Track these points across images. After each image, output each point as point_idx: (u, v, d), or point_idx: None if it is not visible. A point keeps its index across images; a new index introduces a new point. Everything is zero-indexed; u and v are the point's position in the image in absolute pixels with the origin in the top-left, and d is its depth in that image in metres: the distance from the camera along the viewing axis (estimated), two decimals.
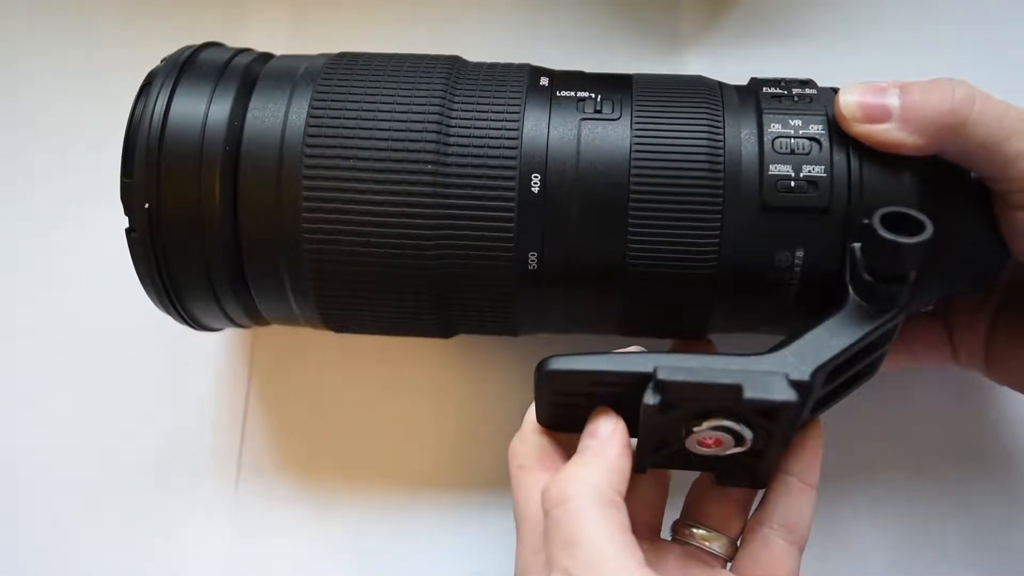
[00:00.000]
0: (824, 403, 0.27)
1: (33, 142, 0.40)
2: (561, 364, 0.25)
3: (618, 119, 0.28)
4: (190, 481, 0.36)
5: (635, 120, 0.28)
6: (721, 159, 0.27)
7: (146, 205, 0.28)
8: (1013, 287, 0.31)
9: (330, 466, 0.37)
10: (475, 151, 0.28)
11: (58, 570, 0.36)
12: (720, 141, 0.28)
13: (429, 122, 0.28)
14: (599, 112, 0.28)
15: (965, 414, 0.36)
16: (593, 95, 0.29)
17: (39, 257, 0.39)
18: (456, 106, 0.28)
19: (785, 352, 0.25)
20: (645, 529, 0.28)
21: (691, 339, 0.31)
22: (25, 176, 0.40)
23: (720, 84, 0.30)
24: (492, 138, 0.28)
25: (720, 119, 0.28)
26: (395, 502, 0.36)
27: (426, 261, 0.28)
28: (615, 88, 0.29)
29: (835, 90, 0.29)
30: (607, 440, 0.25)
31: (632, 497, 0.26)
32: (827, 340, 0.25)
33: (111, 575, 0.36)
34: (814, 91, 0.29)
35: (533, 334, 0.32)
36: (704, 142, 0.27)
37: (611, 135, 0.28)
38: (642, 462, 0.27)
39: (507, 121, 0.28)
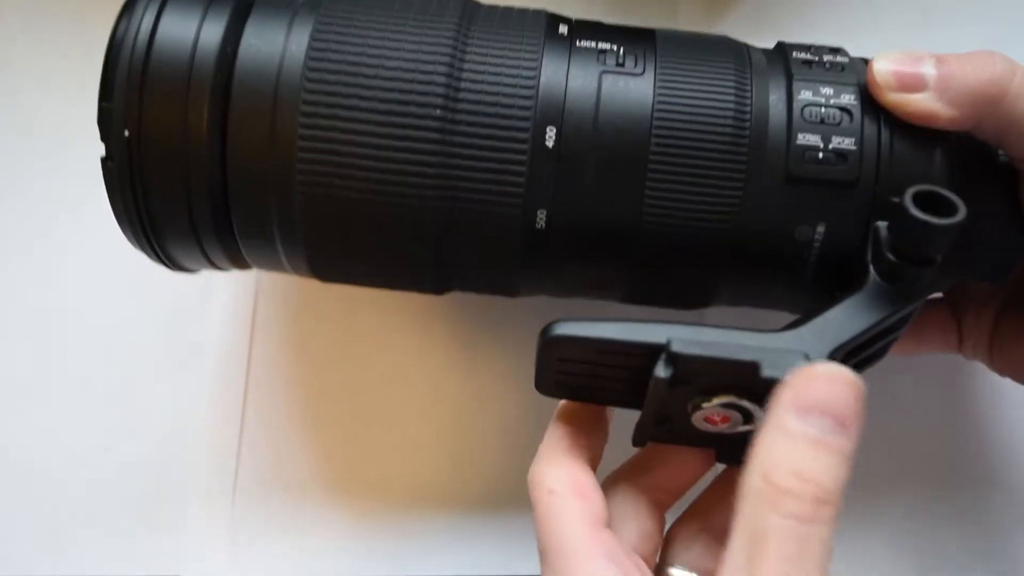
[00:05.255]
0: None
1: (32, 141, 0.40)
2: (568, 329, 0.24)
3: (641, 74, 0.26)
4: (185, 485, 0.36)
5: (659, 76, 0.26)
6: (747, 123, 0.26)
7: (125, 133, 0.25)
8: (1021, 279, 0.30)
9: (334, 461, 0.36)
10: (488, 98, 0.26)
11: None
12: (748, 104, 0.26)
13: (440, 63, 0.26)
14: (621, 66, 0.27)
15: (962, 417, 0.36)
16: (615, 47, 0.27)
17: (37, 255, 0.39)
18: (469, 49, 0.26)
19: (803, 330, 0.24)
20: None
21: (697, 308, 0.30)
22: (23, 175, 0.40)
23: (746, 46, 0.28)
24: (506, 85, 0.26)
25: (748, 81, 0.27)
26: (398, 498, 0.36)
27: (426, 211, 0.26)
28: (637, 42, 0.28)
29: (866, 61, 0.28)
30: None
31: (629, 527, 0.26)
32: (846, 321, 0.24)
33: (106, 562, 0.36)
34: (845, 59, 0.27)
35: (532, 295, 0.30)
36: (731, 104, 0.26)
37: (633, 90, 0.26)
38: (642, 436, 0.26)
39: (523, 68, 0.26)
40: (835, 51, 0.28)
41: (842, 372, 0.22)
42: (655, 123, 0.26)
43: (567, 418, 0.27)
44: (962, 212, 0.23)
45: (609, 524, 0.26)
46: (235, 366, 0.37)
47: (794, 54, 0.28)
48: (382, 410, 0.37)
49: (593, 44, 0.27)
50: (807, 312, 0.25)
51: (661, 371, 0.23)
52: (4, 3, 0.41)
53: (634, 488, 0.28)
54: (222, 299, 0.38)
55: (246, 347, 0.37)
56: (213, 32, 0.26)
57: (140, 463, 0.36)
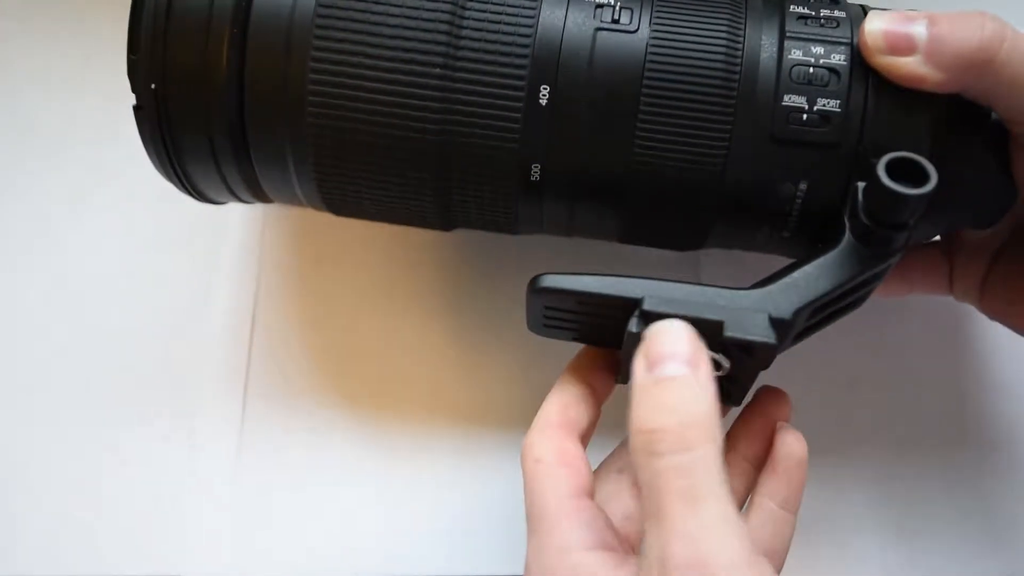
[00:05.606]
0: (804, 335, 0.28)
1: (33, 141, 0.40)
2: (553, 282, 0.26)
3: (635, 31, 0.27)
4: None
5: (652, 32, 0.27)
6: (736, 82, 0.27)
7: (152, 86, 0.27)
8: (1019, 226, 0.31)
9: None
10: (486, 56, 0.27)
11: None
12: (738, 62, 0.27)
13: (442, 11, 0.27)
14: (616, 22, 0.27)
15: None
16: (612, 2, 0.28)
17: (37, 254, 0.39)
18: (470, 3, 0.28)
19: (772, 288, 0.25)
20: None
21: (690, 250, 0.31)
22: (24, 175, 0.40)
23: (745, 9, 0.28)
24: (503, 43, 0.27)
25: (741, 37, 0.27)
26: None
27: (428, 146, 0.27)
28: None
29: (865, 10, 0.28)
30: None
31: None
32: (815, 279, 0.26)
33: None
34: (842, 13, 0.28)
35: (532, 234, 0.32)
36: (721, 61, 0.27)
37: (627, 47, 0.27)
38: (624, 376, 0.27)
39: (521, 23, 0.27)
40: (833, 2, 0.28)
41: (672, 323, 0.24)
42: (645, 81, 0.27)
43: (561, 394, 0.29)
44: (932, 182, 0.24)
45: (593, 496, 0.26)
46: (235, 365, 0.37)
47: (791, 7, 0.28)
48: (385, 402, 0.37)
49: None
50: (783, 268, 0.26)
51: (634, 326, 0.25)
52: (4, 3, 0.41)
53: (617, 470, 0.29)
54: (221, 304, 0.38)
55: (246, 347, 0.37)
56: None
57: (140, 463, 0.36)
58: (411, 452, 0.36)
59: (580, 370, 0.29)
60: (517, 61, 0.27)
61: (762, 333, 0.24)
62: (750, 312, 0.25)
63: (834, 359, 0.36)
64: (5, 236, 0.39)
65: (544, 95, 0.27)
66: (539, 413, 0.28)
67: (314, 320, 0.37)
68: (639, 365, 0.24)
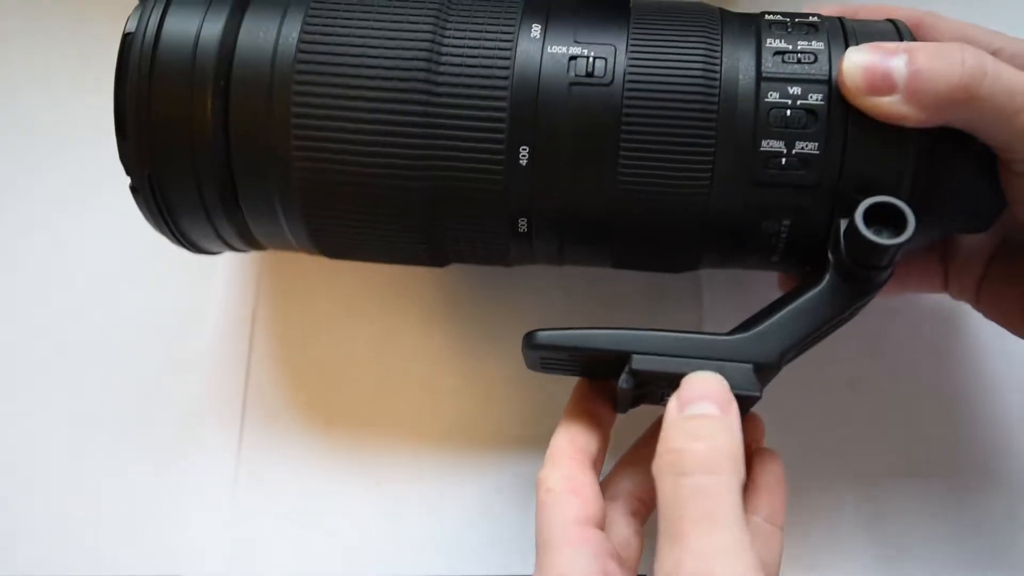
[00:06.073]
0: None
1: (33, 141, 0.40)
2: (547, 339, 0.27)
3: (610, 84, 0.27)
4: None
5: (627, 84, 0.26)
6: (713, 131, 0.26)
7: (147, 173, 0.28)
8: (1013, 228, 0.31)
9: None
10: (463, 112, 0.27)
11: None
12: (713, 110, 0.26)
13: (420, 48, 0.27)
14: (590, 75, 0.27)
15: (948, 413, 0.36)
16: (584, 51, 0.27)
17: (37, 254, 0.39)
18: (445, 50, 0.27)
19: (758, 332, 0.26)
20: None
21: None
22: (23, 175, 0.40)
23: (722, 29, 0.28)
24: (480, 98, 0.27)
25: (716, 81, 0.26)
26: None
27: (416, 194, 0.28)
28: (609, 29, 0.28)
29: (844, 27, 0.27)
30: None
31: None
32: (800, 320, 0.26)
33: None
34: (820, 44, 0.27)
35: (525, 265, 0.32)
36: (698, 111, 0.26)
37: (603, 100, 0.27)
38: (623, 409, 0.29)
39: (495, 71, 0.27)
40: (810, 27, 0.28)
41: (710, 374, 0.25)
42: (623, 131, 0.26)
43: (570, 424, 0.29)
44: (909, 230, 0.24)
45: (604, 526, 0.27)
46: (235, 368, 0.37)
47: (768, 41, 0.27)
48: (382, 412, 0.37)
49: (563, 49, 0.27)
50: (770, 306, 0.27)
51: (624, 383, 0.27)
52: (4, 3, 0.41)
53: (610, 498, 0.29)
54: (222, 299, 0.38)
55: (246, 350, 0.37)
56: (214, 27, 0.28)
57: (140, 462, 0.36)
58: (405, 473, 0.36)
59: (581, 402, 0.30)
60: (495, 126, 0.27)
61: (748, 387, 0.26)
62: (735, 365, 0.26)
63: (834, 359, 0.36)
64: (5, 235, 0.39)
65: (524, 155, 0.27)
66: (549, 448, 0.28)
67: (310, 337, 0.38)
68: (672, 406, 0.25)
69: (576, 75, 0.27)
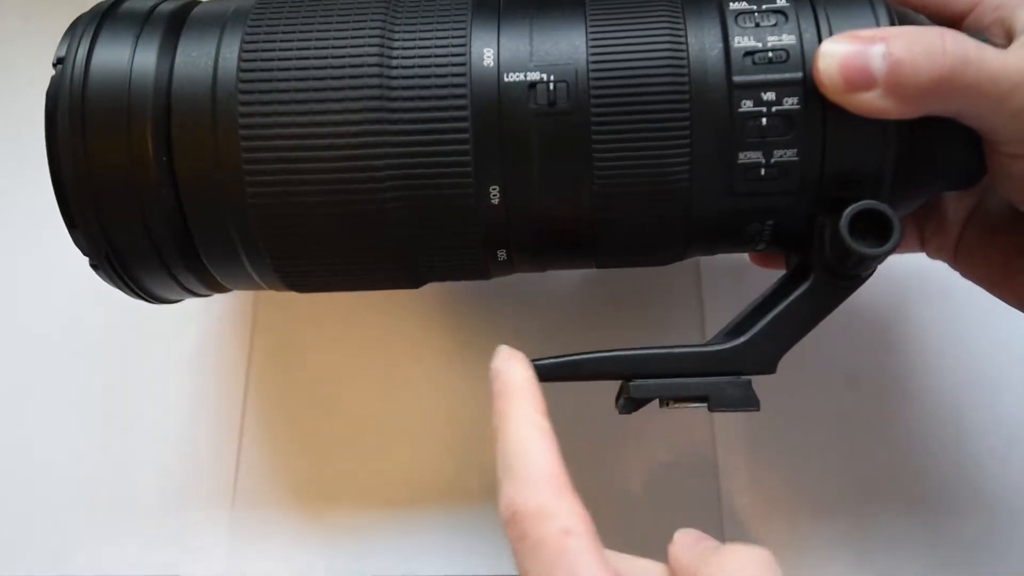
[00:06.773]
0: None
1: (32, 142, 0.40)
2: (546, 369, 0.27)
3: (572, 113, 0.25)
4: (185, 498, 0.36)
5: (593, 112, 0.25)
6: (688, 148, 0.25)
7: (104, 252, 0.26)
8: (991, 190, 0.30)
9: (328, 476, 0.36)
10: (425, 138, 0.25)
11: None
12: (687, 128, 0.25)
13: (370, 55, 0.25)
14: (552, 105, 0.25)
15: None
16: (544, 76, 0.25)
17: (35, 257, 0.39)
18: (397, 38, 0.26)
19: (751, 339, 0.27)
20: None
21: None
22: (23, 175, 0.40)
23: (686, 33, 0.26)
24: (441, 155, 0.25)
25: (686, 94, 0.25)
26: (394, 510, 0.36)
27: (381, 203, 0.26)
28: (567, 52, 0.26)
29: (814, 10, 0.26)
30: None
31: None
32: (792, 322, 0.27)
33: None
34: (792, 38, 0.25)
35: (505, 276, 0.30)
36: (673, 130, 0.25)
37: (570, 131, 0.25)
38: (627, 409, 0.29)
39: (455, 118, 0.25)
40: (779, 16, 0.26)
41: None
42: (595, 158, 0.25)
43: (536, 435, 0.22)
44: (895, 238, 0.24)
45: None
46: (235, 369, 0.37)
47: (736, 39, 0.25)
48: (379, 413, 0.37)
49: (521, 76, 0.26)
50: (760, 306, 0.27)
51: (623, 409, 0.27)
52: (4, 3, 0.41)
53: None
54: (223, 305, 0.38)
55: (246, 351, 0.37)
56: (146, 58, 0.26)
57: (140, 464, 0.36)
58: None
59: (536, 410, 0.23)
60: (461, 170, 0.25)
61: (747, 403, 0.26)
62: (733, 383, 0.26)
63: (834, 359, 0.36)
64: (5, 236, 0.39)
65: (495, 195, 0.26)
66: (529, 468, 0.22)
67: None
68: None
69: (537, 103, 0.25)
